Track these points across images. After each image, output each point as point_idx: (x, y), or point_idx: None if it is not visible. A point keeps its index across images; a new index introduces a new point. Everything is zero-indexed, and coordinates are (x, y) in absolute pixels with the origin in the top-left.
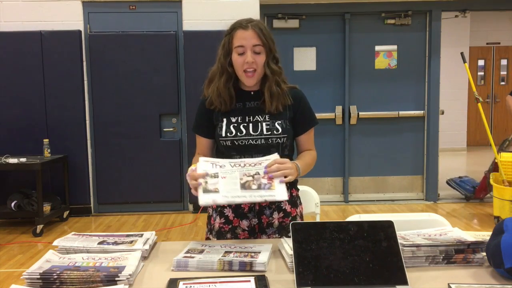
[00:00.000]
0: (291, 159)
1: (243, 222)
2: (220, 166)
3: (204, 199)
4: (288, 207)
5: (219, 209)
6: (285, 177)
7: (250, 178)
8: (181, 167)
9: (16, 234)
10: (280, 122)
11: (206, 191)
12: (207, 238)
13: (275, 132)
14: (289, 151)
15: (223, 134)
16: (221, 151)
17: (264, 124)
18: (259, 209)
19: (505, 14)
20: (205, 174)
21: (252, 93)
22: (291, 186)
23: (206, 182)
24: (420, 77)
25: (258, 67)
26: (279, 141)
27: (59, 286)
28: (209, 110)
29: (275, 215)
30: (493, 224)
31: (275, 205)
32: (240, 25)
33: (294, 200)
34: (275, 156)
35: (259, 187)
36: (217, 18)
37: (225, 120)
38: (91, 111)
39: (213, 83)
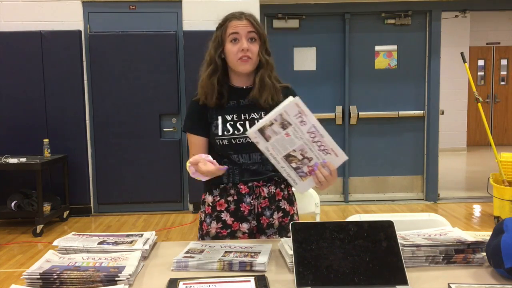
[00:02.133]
0: None
1: (243, 225)
2: (301, 122)
3: (253, 134)
4: (286, 206)
5: (215, 213)
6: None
7: (300, 157)
8: (181, 167)
9: (16, 234)
10: None
11: (262, 131)
12: None
13: None
14: None
15: (220, 133)
16: (217, 151)
17: None
18: (257, 211)
19: (505, 14)
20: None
21: (244, 87)
22: (288, 184)
23: (271, 124)
24: (420, 77)
25: (253, 55)
26: None
27: (59, 286)
28: (203, 108)
29: (275, 215)
30: (493, 224)
31: (274, 206)
32: (234, 16)
33: (291, 198)
34: (343, 157)
35: (295, 169)
36: (217, 18)
37: (220, 118)
38: (91, 111)
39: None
